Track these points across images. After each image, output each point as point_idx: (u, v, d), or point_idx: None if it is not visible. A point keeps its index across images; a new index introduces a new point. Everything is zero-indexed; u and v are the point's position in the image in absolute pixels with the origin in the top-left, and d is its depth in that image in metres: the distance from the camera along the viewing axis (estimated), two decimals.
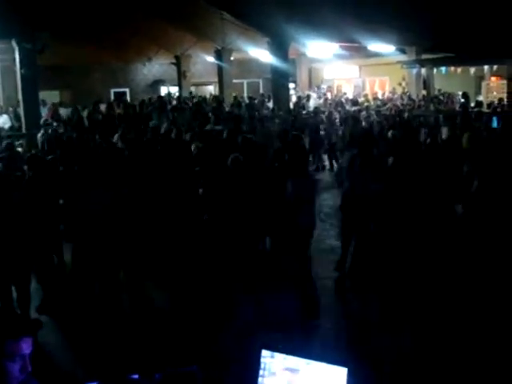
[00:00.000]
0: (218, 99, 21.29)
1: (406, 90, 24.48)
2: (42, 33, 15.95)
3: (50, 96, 22.27)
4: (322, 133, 15.90)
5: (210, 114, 16.17)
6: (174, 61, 26.69)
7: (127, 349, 5.29)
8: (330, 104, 21.47)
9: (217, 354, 4.47)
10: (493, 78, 23.30)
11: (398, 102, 21.56)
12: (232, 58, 23.64)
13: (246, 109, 18.61)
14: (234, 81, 24.66)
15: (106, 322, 5.96)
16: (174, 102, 21.80)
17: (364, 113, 17.22)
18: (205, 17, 19.68)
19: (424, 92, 21.17)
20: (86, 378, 3.02)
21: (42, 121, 15.54)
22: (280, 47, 19.35)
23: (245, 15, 19.07)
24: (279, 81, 19.65)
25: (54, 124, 15.46)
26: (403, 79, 25.76)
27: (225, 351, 4.42)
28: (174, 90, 27.82)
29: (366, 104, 21.08)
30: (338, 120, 16.89)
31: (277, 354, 3.05)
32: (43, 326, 2.72)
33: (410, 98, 21.72)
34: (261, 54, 22.86)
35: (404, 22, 21.42)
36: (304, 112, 18.13)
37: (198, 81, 28.71)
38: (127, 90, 28.40)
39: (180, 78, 26.52)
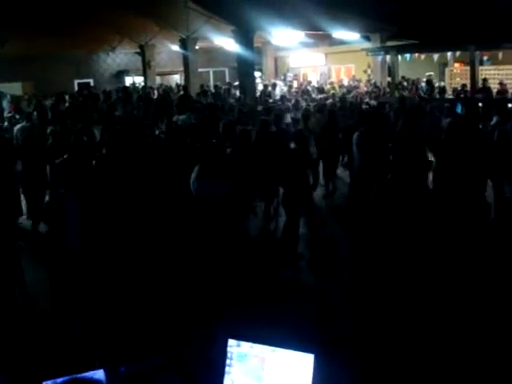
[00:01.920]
0: (184, 88, 21.13)
1: (371, 77, 24.63)
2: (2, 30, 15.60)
3: (11, 88, 21.86)
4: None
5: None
6: (138, 50, 26.40)
7: (90, 341, 5.22)
8: (297, 92, 21.47)
9: (183, 344, 4.43)
10: (456, 65, 23.57)
11: (363, 90, 21.69)
12: (197, 47, 23.45)
13: (212, 98, 18.50)
14: (200, 70, 24.47)
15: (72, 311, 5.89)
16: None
17: (330, 100, 17.23)
18: (169, 5, 19.46)
19: (389, 79, 21.30)
20: (55, 371, 2.96)
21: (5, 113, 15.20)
22: (245, 36, 19.27)
23: (209, 3, 18.93)
24: (245, 69, 19.58)
25: (17, 116, 15.14)
26: (368, 66, 25.91)
27: (191, 341, 4.38)
28: (139, 79, 27.54)
29: (332, 92, 21.12)
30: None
31: (243, 343, 3.03)
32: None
33: (375, 85, 21.84)
34: (226, 42, 22.77)
35: (368, 9, 21.53)
36: (270, 100, 18.07)
37: (164, 70, 28.45)
38: (91, 80, 28.02)
39: (145, 68, 26.22)
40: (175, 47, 24.75)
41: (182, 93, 20.54)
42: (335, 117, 12.01)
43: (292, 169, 7.85)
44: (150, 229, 7.45)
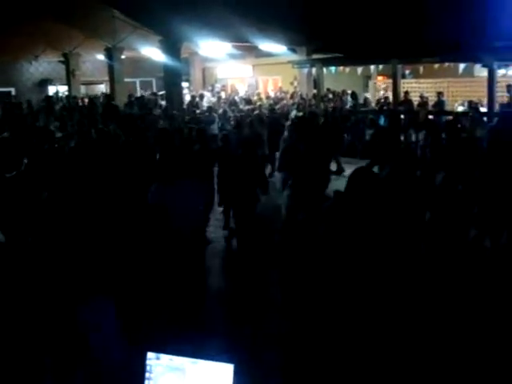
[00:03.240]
0: (109, 98, 20.79)
1: (297, 89, 24.98)
2: None
3: None
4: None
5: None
6: (62, 59, 25.81)
7: None
8: (225, 103, 21.52)
9: (100, 358, 4.29)
10: (379, 78, 24.24)
11: (290, 101, 21.96)
12: (123, 57, 23.19)
13: (138, 108, 18.29)
14: (126, 79, 24.16)
15: None
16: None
17: (257, 111, 17.34)
18: (94, 14, 19.12)
19: (315, 91, 21.65)
20: None
21: None
22: (172, 46, 19.19)
23: (136, 13, 18.73)
24: (172, 80, 19.50)
25: None
26: (295, 78, 26.27)
27: (108, 355, 4.26)
28: (64, 89, 26.92)
29: (258, 103, 21.27)
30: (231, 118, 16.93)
31: (162, 356, 2.97)
32: None
33: (301, 97, 22.15)
34: (153, 52, 22.58)
35: (294, 22, 21.84)
36: (198, 111, 18.03)
37: (89, 79, 27.93)
38: (12, 89, 27.15)
39: (69, 77, 25.65)
40: (101, 56, 24.35)
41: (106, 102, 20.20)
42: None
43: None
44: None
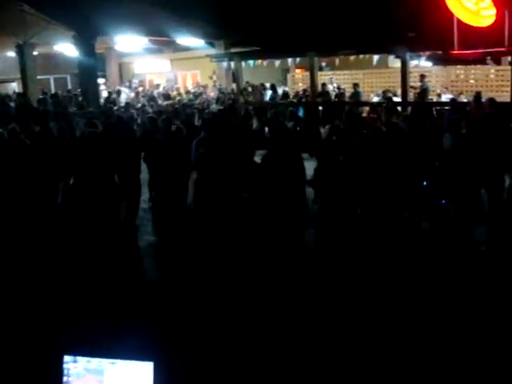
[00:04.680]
0: (23, 96, 20.05)
1: (217, 83, 24.94)
2: None
3: None
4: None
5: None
6: None
7: None
8: (143, 97, 21.21)
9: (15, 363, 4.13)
10: (298, 70, 24.50)
11: (210, 96, 21.92)
12: (36, 53, 22.41)
13: (52, 105, 17.73)
14: (39, 77, 23.40)
15: None
16: None
17: (177, 106, 17.18)
18: (2, 9, 18.37)
19: (234, 85, 21.66)
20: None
21: None
22: (86, 41, 18.73)
23: (48, 8, 18.15)
24: (87, 76, 19.04)
25: None
26: (214, 73, 26.22)
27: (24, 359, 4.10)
28: None
29: (178, 98, 21.10)
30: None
31: (80, 358, 2.88)
32: None
33: (220, 91, 22.12)
34: (67, 48, 21.97)
35: (212, 16, 21.78)
36: (115, 108, 17.66)
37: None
38: None
39: None
40: (11, 53, 23.44)
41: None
42: None
43: None
44: None
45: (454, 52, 14.77)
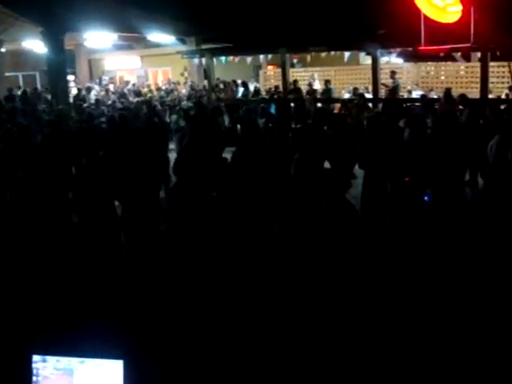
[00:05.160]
0: None
1: (188, 80, 24.83)
2: None
3: None
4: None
5: None
6: None
7: None
8: (114, 93, 21.00)
9: None
10: (269, 67, 24.51)
11: (181, 93, 21.80)
12: (3, 50, 22.07)
13: (20, 103, 17.46)
14: (7, 74, 23.07)
15: None
16: None
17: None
18: None
19: (206, 81, 21.59)
20: None
21: None
22: (55, 37, 18.46)
23: (14, 3, 17.87)
24: (56, 73, 18.78)
25: None
26: (185, 69, 26.10)
27: None
28: None
29: (149, 95, 20.95)
30: None
31: (49, 358, 2.83)
32: None
33: (191, 87, 22.03)
34: (35, 44, 21.64)
35: (183, 12, 21.70)
36: (85, 105, 17.45)
37: None
38: None
39: None
40: None
41: None
42: None
43: None
44: None
45: (421, 48, 14.88)
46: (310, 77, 19.89)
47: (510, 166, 7.30)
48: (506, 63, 16.41)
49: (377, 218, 6.97)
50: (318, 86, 19.18)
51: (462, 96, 12.63)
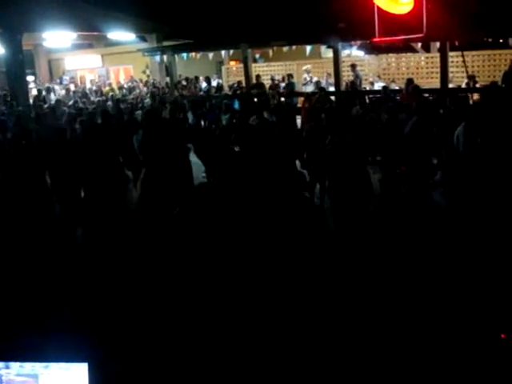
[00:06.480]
0: None
1: (150, 78, 24.65)
2: None
3: None
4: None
5: None
6: None
7: None
8: (75, 93, 20.73)
9: None
10: (232, 63, 24.46)
11: (143, 91, 21.65)
12: None
13: None
14: None
15: None
16: None
17: (110, 103, 16.87)
18: None
19: (168, 78, 21.47)
20: None
21: None
22: (12, 38, 18.13)
23: None
24: (15, 74, 18.48)
25: None
26: (147, 67, 25.89)
27: None
28: None
29: (111, 93, 20.73)
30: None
31: (12, 364, 2.80)
32: None
33: (154, 85, 21.88)
34: None
35: (142, 9, 21.55)
36: (45, 106, 17.19)
37: None
38: None
39: None
40: None
41: None
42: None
43: None
44: None
45: (375, 40, 14.96)
46: (305, 70, 19.72)
47: (479, 151, 7.50)
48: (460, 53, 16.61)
49: (361, 207, 7.07)
50: (315, 79, 19.00)
51: (415, 87, 12.88)
